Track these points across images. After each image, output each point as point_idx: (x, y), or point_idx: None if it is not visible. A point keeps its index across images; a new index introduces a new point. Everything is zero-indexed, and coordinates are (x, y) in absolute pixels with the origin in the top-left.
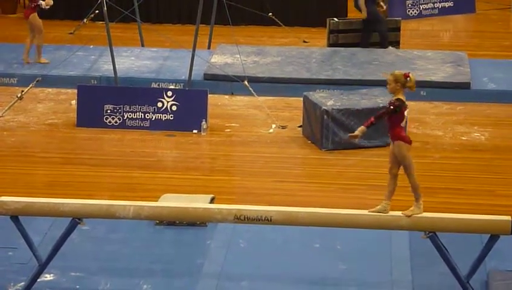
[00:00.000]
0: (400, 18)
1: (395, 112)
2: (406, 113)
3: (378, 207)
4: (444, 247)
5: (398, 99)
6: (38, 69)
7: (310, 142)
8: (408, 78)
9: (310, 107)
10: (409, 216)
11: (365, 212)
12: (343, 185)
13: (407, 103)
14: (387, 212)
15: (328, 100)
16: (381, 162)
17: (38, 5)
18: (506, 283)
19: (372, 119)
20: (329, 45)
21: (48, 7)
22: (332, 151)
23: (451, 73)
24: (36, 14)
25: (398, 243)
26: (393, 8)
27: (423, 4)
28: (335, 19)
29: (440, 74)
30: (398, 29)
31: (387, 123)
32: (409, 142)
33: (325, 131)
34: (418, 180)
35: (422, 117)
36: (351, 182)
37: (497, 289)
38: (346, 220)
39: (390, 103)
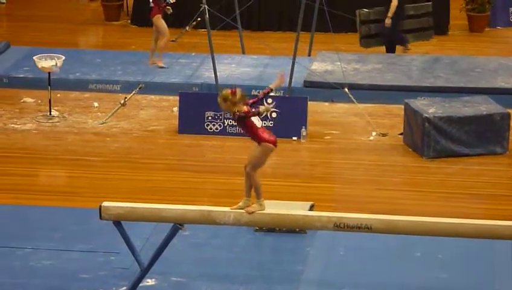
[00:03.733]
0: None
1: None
2: (255, 119)
3: (239, 204)
4: None
5: (239, 111)
6: (142, 76)
7: (411, 150)
8: (234, 94)
9: (411, 115)
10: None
11: (467, 221)
12: (444, 193)
13: None
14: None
15: (430, 108)
16: (484, 171)
17: (163, 7)
18: None
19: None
20: (362, 37)
21: (171, 8)
22: (433, 159)
23: None
24: (160, 16)
25: (501, 252)
26: (496, 15)
27: None
28: (364, 9)
29: None
30: (429, 14)
31: (248, 133)
32: (274, 143)
33: (427, 139)
34: None
35: None
36: (452, 191)
37: None
38: (448, 229)
39: (239, 114)
